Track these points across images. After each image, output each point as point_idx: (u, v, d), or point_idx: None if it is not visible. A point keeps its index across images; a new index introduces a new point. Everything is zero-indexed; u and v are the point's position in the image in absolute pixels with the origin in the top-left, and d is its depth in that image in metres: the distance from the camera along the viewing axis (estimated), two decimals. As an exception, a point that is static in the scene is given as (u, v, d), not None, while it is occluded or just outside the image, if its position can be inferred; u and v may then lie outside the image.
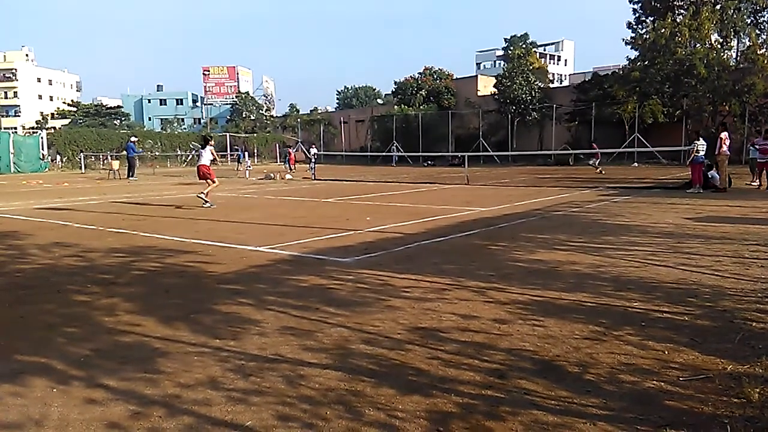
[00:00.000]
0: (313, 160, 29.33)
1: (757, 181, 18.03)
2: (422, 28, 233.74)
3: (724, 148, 16.82)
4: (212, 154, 14.59)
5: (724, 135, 17.09)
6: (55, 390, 3.48)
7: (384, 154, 46.86)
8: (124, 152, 30.32)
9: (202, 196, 13.92)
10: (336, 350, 4.07)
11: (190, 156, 49.21)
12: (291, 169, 28.50)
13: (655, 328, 4.43)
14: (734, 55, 35.70)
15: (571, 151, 34.84)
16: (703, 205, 13.12)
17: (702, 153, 16.49)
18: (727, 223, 10.14)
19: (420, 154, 43.06)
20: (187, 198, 16.45)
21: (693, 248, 7.76)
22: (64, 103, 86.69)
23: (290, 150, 37.15)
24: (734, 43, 35.84)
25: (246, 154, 34.33)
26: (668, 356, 3.85)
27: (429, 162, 43.43)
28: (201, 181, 14.67)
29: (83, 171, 37.40)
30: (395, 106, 54.75)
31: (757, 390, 3.24)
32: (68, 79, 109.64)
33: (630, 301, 5.17)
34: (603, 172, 26.73)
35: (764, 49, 32.75)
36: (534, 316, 4.77)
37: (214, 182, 14.37)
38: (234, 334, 4.43)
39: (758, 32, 34.09)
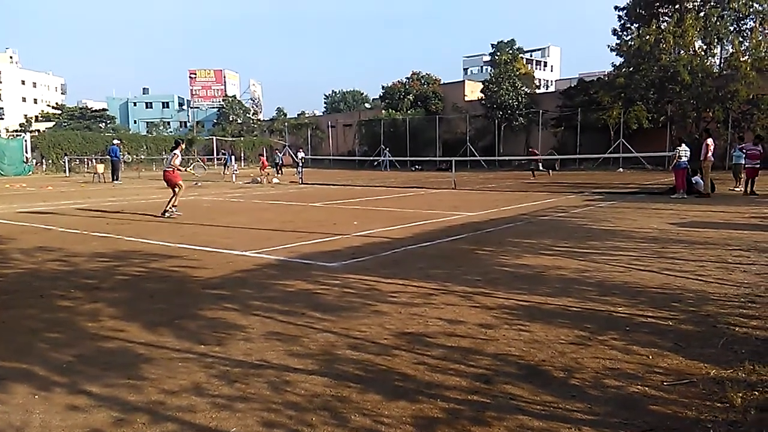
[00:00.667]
0: (300, 164, 29.25)
1: (741, 186, 18.24)
2: (410, 32, 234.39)
3: (710, 154, 17.02)
4: (179, 158, 13.55)
5: (709, 141, 17.29)
6: (36, 396, 3.43)
7: (372, 158, 46.86)
8: (108, 156, 30.08)
9: (171, 210, 12.96)
10: (322, 356, 4.05)
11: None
12: (260, 175, 28.39)
13: (639, 332, 4.46)
14: (717, 62, 36.12)
15: (558, 157, 35.03)
16: (687, 210, 13.25)
17: (685, 159, 16.68)
18: (710, 228, 10.26)
19: (408, 158, 43.14)
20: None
21: (677, 253, 7.83)
22: (48, 105, 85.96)
23: (261, 156, 36.80)
24: (717, 50, 36.27)
25: (233, 158, 34.17)
26: (652, 361, 3.88)
27: (417, 167, 43.49)
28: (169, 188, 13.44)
29: (67, 174, 37.03)
30: (383, 111, 54.82)
31: (740, 394, 3.27)
32: (53, 81, 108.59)
33: (615, 306, 5.21)
34: (551, 173, 28.73)
35: (747, 56, 33.13)
36: (520, 321, 4.78)
37: (181, 187, 13.34)
38: (219, 340, 4.40)
39: (741, 39, 34.50)
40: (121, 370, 3.81)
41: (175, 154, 13.51)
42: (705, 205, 14.53)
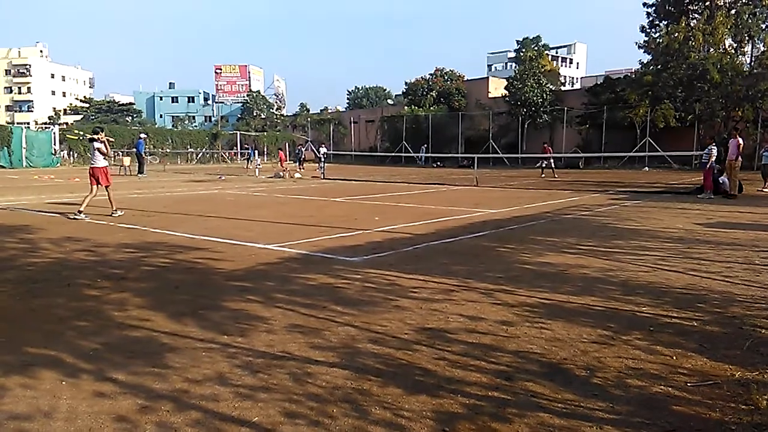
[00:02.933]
0: (322, 160, 29.39)
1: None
2: (433, 29, 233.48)
3: (737, 154, 16.70)
4: (104, 149, 11.89)
5: (739, 140, 16.95)
6: (64, 383, 3.51)
7: (394, 154, 46.85)
8: (134, 149, 30.51)
9: (118, 213, 11.74)
10: (343, 349, 4.08)
11: (200, 154, 49.53)
12: (282, 170, 28.59)
13: (663, 333, 4.41)
14: (748, 61, 35.39)
15: (582, 154, 34.66)
16: (714, 210, 13.03)
17: (714, 158, 16.40)
18: (738, 229, 10.07)
19: (430, 154, 43.04)
20: (187, 196, 16.49)
21: (703, 254, 7.71)
22: (76, 99, 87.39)
23: (280, 150, 36.94)
24: (748, 48, 35.53)
25: (256, 152, 34.43)
26: (676, 361, 3.83)
27: (438, 163, 43.37)
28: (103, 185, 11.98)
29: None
30: (405, 107, 54.73)
31: (766, 397, 3.21)
32: (81, 75, 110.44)
33: (639, 306, 5.15)
34: (557, 177, 26.79)
35: (778, 55, 32.45)
36: (542, 319, 4.76)
37: (96, 190, 11.78)
38: (242, 331, 4.45)
39: (773, 37, 33.81)
40: (146, 359, 3.88)
41: (97, 148, 11.87)
42: (732, 205, 14.26)
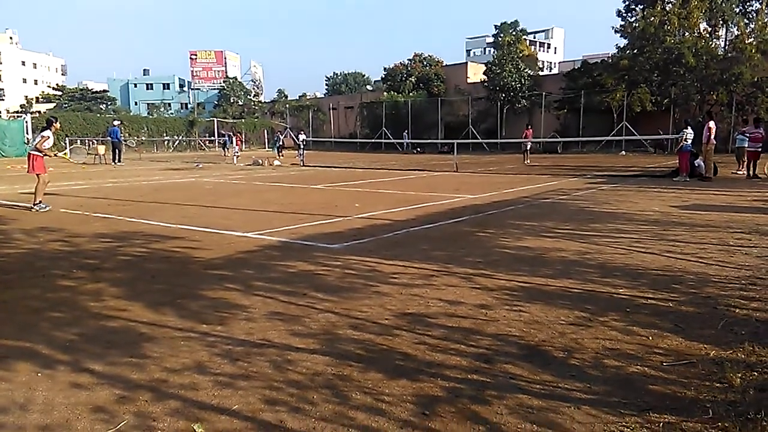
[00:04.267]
0: (302, 147, 29.18)
1: (743, 169, 18.17)
2: (412, 13, 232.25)
3: (712, 137, 16.94)
4: (43, 143, 11.32)
5: (711, 124, 17.20)
6: (40, 374, 3.46)
7: (374, 140, 46.71)
8: (109, 138, 29.99)
9: (37, 207, 10.90)
10: (324, 335, 4.07)
11: (177, 142, 48.91)
12: (225, 155, 28.51)
13: (639, 314, 4.48)
14: (722, 44, 35.83)
15: (560, 139, 34.86)
16: (689, 193, 13.23)
17: (689, 141, 16.62)
18: (712, 211, 10.24)
19: (410, 140, 42.98)
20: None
21: (678, 236, 7.83)
22: (48, 87, 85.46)
23: (231, 134, 36.46)
24: (722, 32, 35.95)
25: (234, 139, 34.05)
26: (652, 342, 3.89)
27: (418, 149, 43.35)
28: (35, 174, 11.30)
29: (68, 156, 36.96)
30: (385, 93, 54.45)
31: (739, 375, 3.29)
32: (53, 62, 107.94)
33: (616, 288, 5.22)
34: (529, 162, 26.49)
35: (752, 39, 32.87)
36: (520, 302, 4.80)
37: (43, 180, 11.24)
38: (221, 320, 4.42)
39: (746, 21, 34.18)
40: (123, 349, 3.84)
41: (43, 135, 11.40)
42: (707, 188, 14.49)
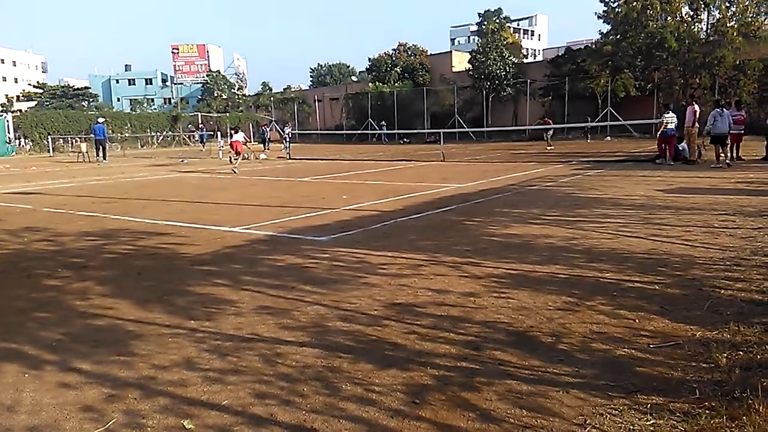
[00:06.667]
0: (287, 139, 29.01)
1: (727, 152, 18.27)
2: (396, 2, 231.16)
3: (695, 120, 17.04)
4: None
5: (696, 108, 17.29)
6: (27, 375, 3.43)
7: (360, 132, 46.58)
8: (93, 135, 29.66)
9: None
10: (313, 328, 4.07)
11: (161, 137, 48.48)
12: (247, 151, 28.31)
13: (626, 297, 4.52)
14: (704, 28, 35.97)
15: (546, 126, 34.96)
16: (674, 177, 13.33)
17: (672, 125, 16.70)
18: (697, 194, 10.33)
19: (396, 131, 42.93)
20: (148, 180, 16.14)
21: (664, 219, 7.90)
22: (29, 84, 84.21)
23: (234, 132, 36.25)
24: (704, 16, 36.06)
25: (219, 134, 33.76)
26: (639, 324, 3.93)
27: (405, 139, 43.29)
28: None
29: (51, 154, 36.56)
30: (370, 84, 54.23)
31: (725, 355, 3.33)
32: (33, 59, 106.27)
33: (602, 272, 5.26)
34: (551, 147, 27.02)
35: (734, 22, 33.03)
36: (508, 289, 4.82)
37: None
38: (209, 315, 4.40)
39: (728, 4, 34.30)
40: (111, 347, 3.81)
41: None
42: (691, 171, 14.61)
